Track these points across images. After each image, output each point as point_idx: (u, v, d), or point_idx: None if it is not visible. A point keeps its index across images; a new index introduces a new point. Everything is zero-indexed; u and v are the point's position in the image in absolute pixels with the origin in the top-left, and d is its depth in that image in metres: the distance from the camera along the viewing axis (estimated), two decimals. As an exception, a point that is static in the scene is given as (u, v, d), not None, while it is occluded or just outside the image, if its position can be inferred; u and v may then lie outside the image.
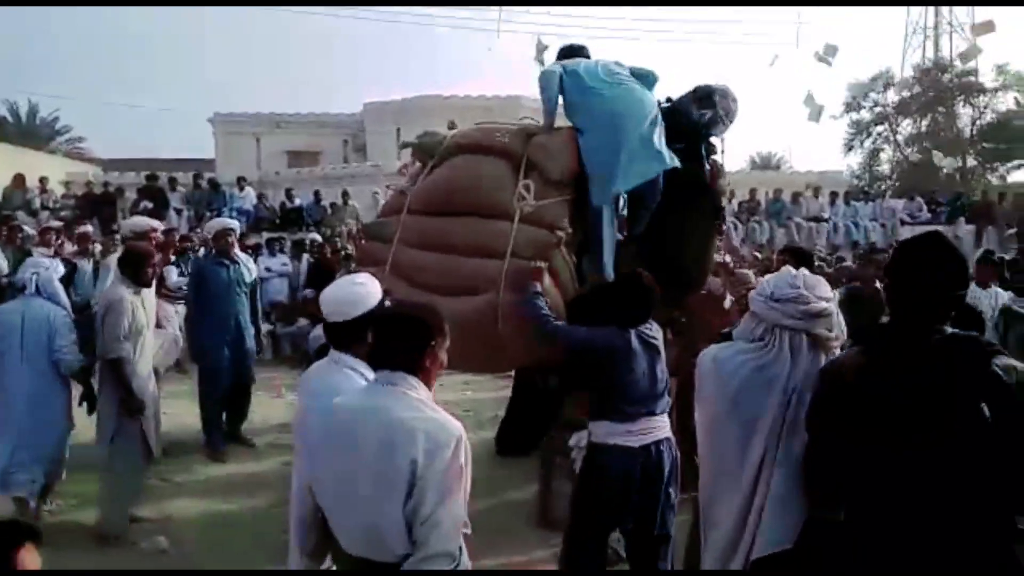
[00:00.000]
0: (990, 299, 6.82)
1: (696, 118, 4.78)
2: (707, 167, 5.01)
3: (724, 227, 5.34)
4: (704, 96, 4.84)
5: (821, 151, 58.11)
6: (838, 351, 2.51)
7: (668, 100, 4.95)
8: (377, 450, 2.13)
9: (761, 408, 2.47)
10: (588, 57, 4.81)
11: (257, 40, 79.11)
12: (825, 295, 2.51)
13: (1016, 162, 36.45)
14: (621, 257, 4.56)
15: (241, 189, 15.66)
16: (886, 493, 2.04)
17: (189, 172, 17.67)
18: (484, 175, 4.45)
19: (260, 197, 15.77)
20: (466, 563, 2.21)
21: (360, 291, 2.60)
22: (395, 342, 2.26)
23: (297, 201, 15.50)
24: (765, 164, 39.82)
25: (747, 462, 2.49)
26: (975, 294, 6.63)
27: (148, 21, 78.12)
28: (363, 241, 5.91)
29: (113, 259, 8.06)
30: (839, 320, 2.52)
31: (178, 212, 14.63)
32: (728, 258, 8.90)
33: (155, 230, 6.70)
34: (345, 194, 15.43)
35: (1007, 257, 10.46)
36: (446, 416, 2.21)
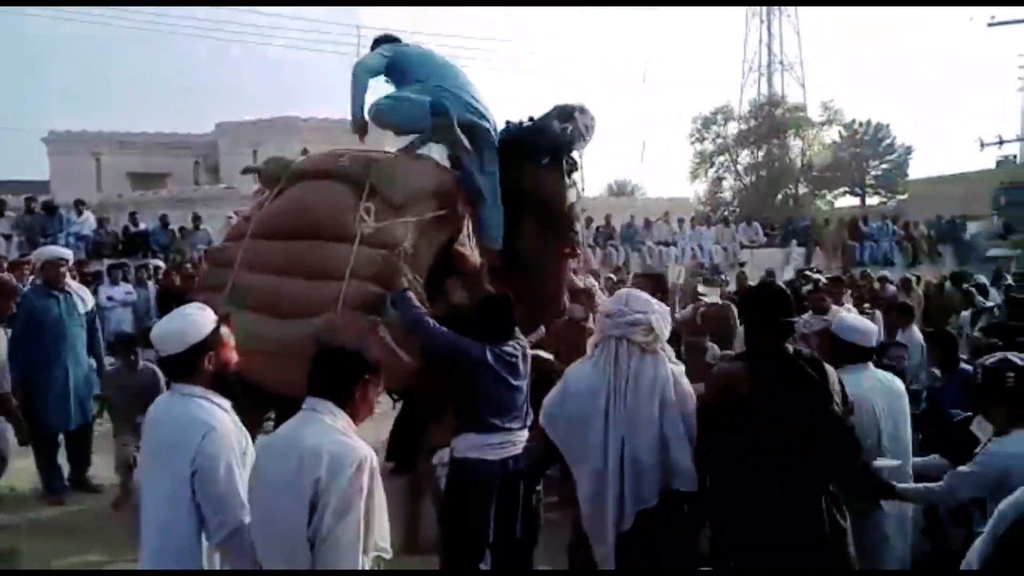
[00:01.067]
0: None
1: (558, 133, 5.00)
2: (568, 184, 5.21)
3: (578, 250, 5.58)
4: (565, 113, 5.09)
5: (670, 178, 61.53)
6: (661, 351, 3.04)
7: (531, 119, 5.16)
8: (289, 479, 2.20)
9: (588, 407, 2.94)
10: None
11: (97, 57, 74.46)
12: (641, 309, 3.00)
13: (841, 189, 40.17)
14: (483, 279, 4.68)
15: (80, 213, 14.60)
16: (759, 468, 2.73)
17: (21, 195, 16.29)
18: (326, 200, 4.50)
19: (101, 221, 14.79)
20: None
21: (188, 322, 2.60)
22: (328, 373, 2.38)
23: (142, 225, 14.64)
24: (621, 191, 41.69)
25: (592, 452, 2.92)
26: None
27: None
28: (205, 266, 5.75)
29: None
30: (660, 327, 3.02)
31: (7, 238, 13.43)
32: (590, 281, 9.27)
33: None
34: (196, 217, 14.75)
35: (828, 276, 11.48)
36: (357, 441, 2.28)
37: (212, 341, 2.59)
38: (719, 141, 37.02)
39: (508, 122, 5.18)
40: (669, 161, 66.65)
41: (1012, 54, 21.69)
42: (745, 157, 36.96)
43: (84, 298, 6.26)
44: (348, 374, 2.37)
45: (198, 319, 2.62)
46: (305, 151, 5.22)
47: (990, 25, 23.18)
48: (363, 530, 2.21)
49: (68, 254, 6.50)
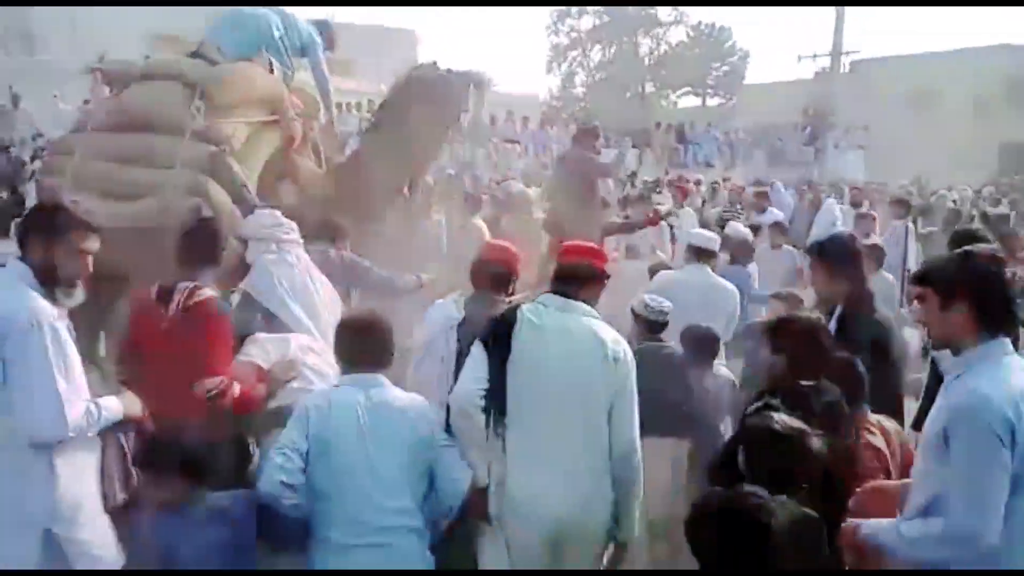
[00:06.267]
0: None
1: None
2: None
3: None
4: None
5: (527, 69, 61.51)
6: None
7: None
8: None
9: None
10: None
11: None
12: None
13: (685, 89, 42.02)
14: None
15: None
16: None
17: None
18: (160, 97, 4.89)
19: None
20: None
21: None
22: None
23: (-45, 106, 13.55)
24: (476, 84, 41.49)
25: None
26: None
27: None
28: (47, 156, 5.99)
29: None
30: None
31: None
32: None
33: None
34: (15, 97, 13.80)
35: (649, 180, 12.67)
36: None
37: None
38: (573, 35, 37.46)
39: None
40: (526, 51, 66.34)
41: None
42: (597, 54, 37.72)
43: None
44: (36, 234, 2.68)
45: None
46: (147, 57, 5.51)
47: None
48: None
49: None
